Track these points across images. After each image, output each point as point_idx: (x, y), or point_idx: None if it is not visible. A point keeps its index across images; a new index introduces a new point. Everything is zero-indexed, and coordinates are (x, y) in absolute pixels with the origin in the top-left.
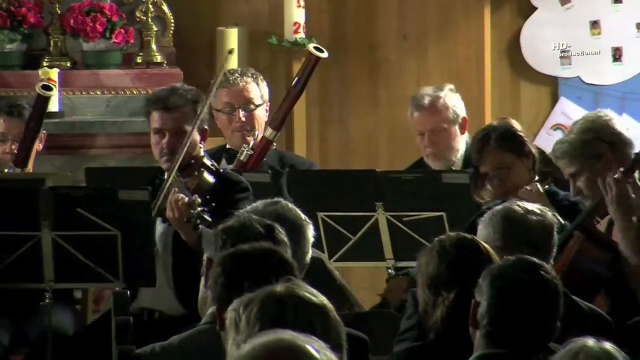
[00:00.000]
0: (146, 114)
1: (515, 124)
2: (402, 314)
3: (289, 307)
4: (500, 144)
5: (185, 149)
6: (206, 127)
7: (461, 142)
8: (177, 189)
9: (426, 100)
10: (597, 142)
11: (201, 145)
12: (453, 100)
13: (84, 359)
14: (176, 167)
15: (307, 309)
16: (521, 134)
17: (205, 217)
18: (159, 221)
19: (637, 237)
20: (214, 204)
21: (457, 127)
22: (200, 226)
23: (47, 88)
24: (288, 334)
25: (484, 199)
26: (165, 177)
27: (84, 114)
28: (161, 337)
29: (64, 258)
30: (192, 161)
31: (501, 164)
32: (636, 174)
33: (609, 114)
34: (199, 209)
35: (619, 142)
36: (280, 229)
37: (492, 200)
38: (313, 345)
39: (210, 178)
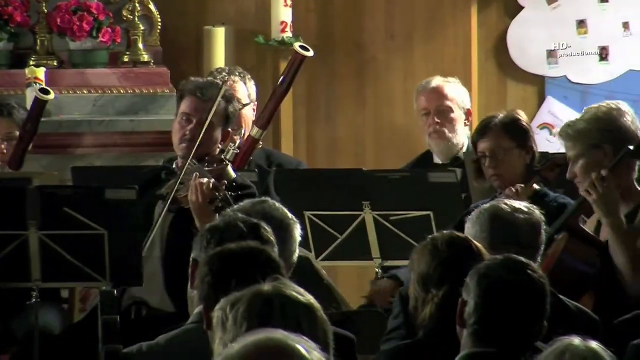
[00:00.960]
0: (178, 98)
1: (524, 117)
2: (389, 313)
3: (276, 306)
4: (504, 127)
5: (201, 136)
6: (230, 129)
7: (464, 134)
8: (198, 174)
9: (434, 82)
10: (599, 133)
11: (219, 146)
12: (460, 90)
13: (71, 358)
14: (192, 152)
15: (294, 308)
16: (527, 127)
17: (231, 201)
18: (158, 206)
19: (628, 243)
20: (239, 192)
21: (461, 112)
22: (222, 209)
23: (45, 92)
24: (279, 333)
25: (482, 185)
26: (180, 165)
27: (71, 113)
28: (148, 335)
29: (50, 257)
30: (207, 157)
31: (499, 147)
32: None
33: (622, 109)
34: (225, 192)
35: (621, 138)
36: (267, 227)
37: (486, 192)
38: (303, 344)
39: (232, 173)
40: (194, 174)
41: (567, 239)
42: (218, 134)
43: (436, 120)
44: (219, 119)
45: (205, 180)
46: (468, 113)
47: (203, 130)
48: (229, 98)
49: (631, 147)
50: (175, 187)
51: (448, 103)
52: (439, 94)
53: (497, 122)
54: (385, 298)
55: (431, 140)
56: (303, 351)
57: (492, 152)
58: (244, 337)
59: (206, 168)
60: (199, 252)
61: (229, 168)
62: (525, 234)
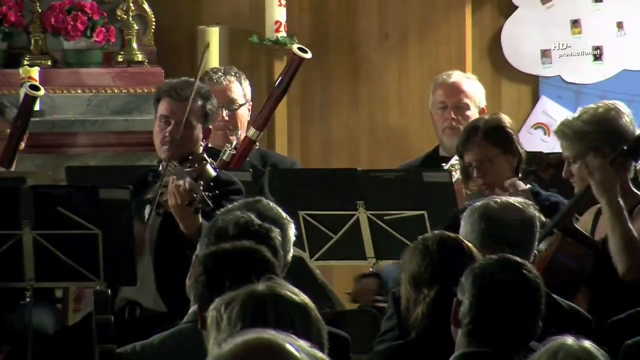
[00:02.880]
0: (155, 101)
1: (506, 120)
2: (382, 313)
3: (270, 306)
4: (487, 136)
5: (180, 133)
6: (210, 126)
7: None
8: (176, 178)
9: (454, 77)
10: (598, 136)
11: (202, 144)
12: (478, 88)
13: (65, 358)
14: (171, 152)
15: (288, 307)
16: (510, 130)
17: (209, 201)
18: (147, 211)
19: (624, 227)
20: (217, 192)
21: (477, 111)
22: (200, 210)
23: (35, 88)
24: (268, 333)
25: (472, 190)
26: (161, 168)
27: (65, 113)
28: (142, 335)
29: (44, 257)
30: (190, 156)
31: (485, 157)
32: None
33: (620, 109)
34: (202, 193)
35: (620, 140)
36: (277, 233)
37: (477, 194)
38: (293, 344)
39: (212, 171)
40: (172, 178)
41: (560, 238)
42: (199, 132)
43: (452, 116)
44: (197, 117)
45: (181, 182)
46: (482, 112)
47: (181, 131)
48: (206, 95)
49: (625, 147)
50: (159, 191)
51: (466, 100)
52: (458, 90)
53: (480, 132)
54: (368, 296)
55: (444, 134)
56: (293, 350)
57: (479, 162)
58: (234, 337)
59: (187, 169)
60: (204, 250)
61: (208, 167)
62: (515, 232)
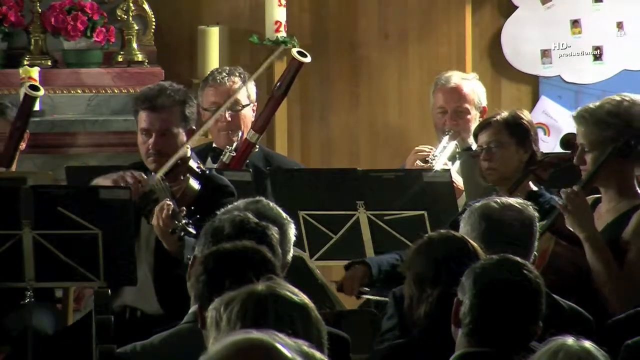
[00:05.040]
0: (134, 113)
1: (527, 117)
2: (383, 313)
3: (270, 306)
4: (506, 122)
5: (175, 158)
6: (194, 127)
7: None
8: (160, 197)
9: (454, 81)
10: (617, 128)
11: (188, 146)
12: (478, 89)
13: (65, 358)
14: (162, 172)
15: (288, 307)
16: (528, 126)
17: (190, 229)
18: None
19: (604, 255)
20: (198, 216)
21: (477, 112)
22: (183, 237)
23: (35, 88)
24: (260, 333)
25: (486, 181)
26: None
27: (65, 113)
28: (143, 335)
29: (44, 257)
30: (179, 162)
31: (498, 140)
32: None
33: None
34: (183, 221)
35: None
36: (274, 230)
37: (482, 190)
38: (284, 344)
39: (196, 185)
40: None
41: (553, 241)
42: (182, 137)
43: (452, 120)
44: (177, 124)
45: (166, 205)
46: (483, 111)
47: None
48: (182, 100)
49: (615, 147)
50: (148, 207)
51: (466, 105)
52: (457, 95)
53: (500, 118)
54: (354, 284)
55: (444, 138)
56: (284, 350)
57: (489, 145)
58: (225, 338)
59: (171, 184)
60: (202, 249)
61: (191, 182)
62: (515, 232)
